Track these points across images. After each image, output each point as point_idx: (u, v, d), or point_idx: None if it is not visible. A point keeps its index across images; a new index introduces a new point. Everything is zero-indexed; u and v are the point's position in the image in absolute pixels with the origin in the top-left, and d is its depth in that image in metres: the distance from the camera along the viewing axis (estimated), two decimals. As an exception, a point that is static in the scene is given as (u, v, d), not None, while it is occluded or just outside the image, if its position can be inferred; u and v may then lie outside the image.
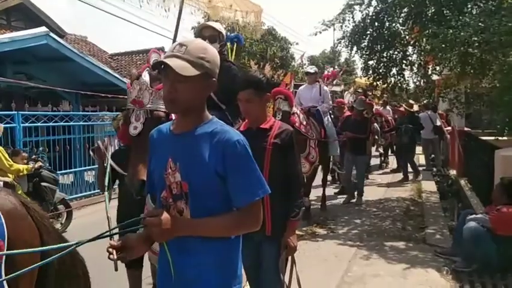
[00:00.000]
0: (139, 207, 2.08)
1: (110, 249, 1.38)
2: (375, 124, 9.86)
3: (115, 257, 1.37)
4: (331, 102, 7.12)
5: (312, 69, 6.98)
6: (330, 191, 7.76)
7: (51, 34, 8.52)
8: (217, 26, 3.27)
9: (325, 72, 10.73)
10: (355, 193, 7.20)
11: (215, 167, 1.43)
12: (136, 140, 2.32)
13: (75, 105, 9.83)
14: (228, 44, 3.86)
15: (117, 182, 2.96)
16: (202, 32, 3.20)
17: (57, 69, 9.57)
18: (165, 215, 1.41)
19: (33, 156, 5.88)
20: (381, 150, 11.34)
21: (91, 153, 5.41)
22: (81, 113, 8.63)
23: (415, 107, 10.39)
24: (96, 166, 4.38)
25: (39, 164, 5.61)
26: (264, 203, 2.05)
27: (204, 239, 1.46)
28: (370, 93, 10.78)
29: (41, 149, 6.65)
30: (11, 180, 5.08)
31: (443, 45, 5.38)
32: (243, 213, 1.47)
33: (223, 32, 3.26)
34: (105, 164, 2.63)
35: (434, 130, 9.94)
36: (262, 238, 2.31)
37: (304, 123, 5.47)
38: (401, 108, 11.46)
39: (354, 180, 7.30)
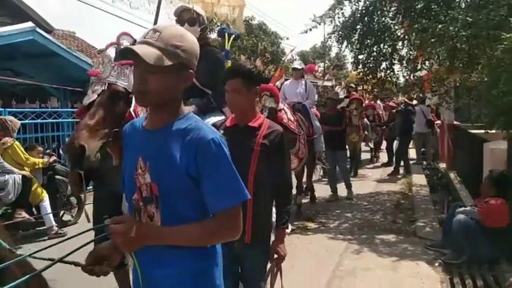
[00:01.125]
0: (116, 209, 1.95)
1: (89, 271, 1.27)
2: (365, 119, 9.83)
3: (99, 272, 1.28)
4: (316, 98, 7.12)
5: (299, 65, 6.93)
6: (322, 188, 7.78)
7: (38, 29, 8.37)
8: (197, 8, 3.13)
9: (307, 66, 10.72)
10: (345, 188, 7.18)
11: (186, 169, 1.28)
12: (87, 110, 2.19)
13: (63, 102, 9.70)
14: (227, 34, 3.82)
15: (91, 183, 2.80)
16: (181, 15, 3.04)
17: (45, 65, 9.42)
18: (131, 222, 1.28)
19: (48, 151, 6.22)
20: (371, 145, 11.31)
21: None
22: (70, 109, 8.52)
23: (414, 101, 10.44)
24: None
25: (54, 158, 5.94)
26: (246, 208, 1.97)
27: (177, 248, 1.32)
28: (361, 88, 10.82)
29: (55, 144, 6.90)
30: (28, 174, 5.27)
31: (432, 40, 5.40)
32: (218, 221, 1.31)
33: (204, 14, 3.13)
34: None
35: (427, 124, 9.99)
36: (242, 246, 2.12)
37: (292, 119, 5.42)
38: (391, 103, 11.55)
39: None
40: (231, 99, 2.16)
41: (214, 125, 2.19)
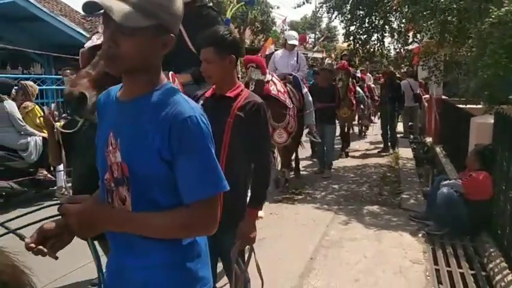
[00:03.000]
0: (95, 182, 1.92)
1: (32, 249, 1.11)
2: (361, 92, 9.25)
3: (46, 252, 1.12)
4: (306, 69, 6.88)
5: (295, 41, 6.59)
6: (310, 161, 7.83)
7: (19, -8, 8.03)
8: None
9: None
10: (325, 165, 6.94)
11: (159, 150, 1.11)
12: (88, 55, 2.06)
13: (47, 68, 9.46)
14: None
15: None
16: None
17: (27, 30, 9.11)
18: (88, 203, 1.15)
19: (64, 115, 6.13)
20: (367, 121, 10.66)
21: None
22: (54, 76, 8.30)
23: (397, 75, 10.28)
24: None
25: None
26: None
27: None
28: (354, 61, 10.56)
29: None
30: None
31: (424, 13, 5.35)
32: (191, 213, 1.14)
33: None
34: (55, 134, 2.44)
35: (415, 98, 9.94)
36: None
37: (282, 90, 5.27)
38: (381, 80, 11.23)
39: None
40: (204, 69, 2.02)
41: (195, 95, 2.12)
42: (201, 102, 2.05)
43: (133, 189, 1.15)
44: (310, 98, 6.03)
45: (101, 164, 1.24)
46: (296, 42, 6.59)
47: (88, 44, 2.15)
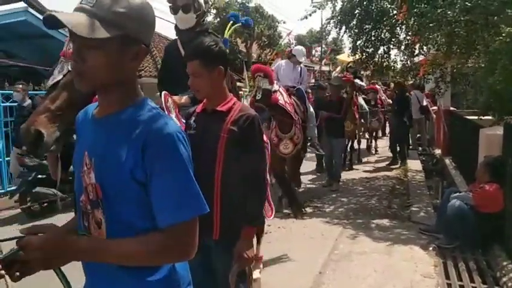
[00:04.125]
0: None
1: None
2: (364, 105, 9.00)
3: (7, 279, 1.00)
4: (307, 84, 6.97)
5: (302, 58, 6.53)
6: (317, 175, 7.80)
7: (31, 10, 8.20)
8: None
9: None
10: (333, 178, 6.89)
11: (132, 171, 1.04)
12: (50, 91, 1.97)
13: (57, 84, 9.61)
14: (230, 23, 3.54)
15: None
16: (175, 1, 2.78)
17: (38, 47, 9.29)
18: (52, 234, 1.05)
19: None
20: (367, 135, 10.34)
21: None
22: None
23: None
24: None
25: None
26: (213, 202, 1.86)
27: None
28: (360, 73, 10.51)
29: None
30: None
31: (430, 25, 5.37)
32: (168, 238, 1.05)
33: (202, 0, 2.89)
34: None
35: (421, 110, 9.87)
36: (210, 242, 1.91)
37: (289, 102, 5.25)
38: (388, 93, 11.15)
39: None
40: (192, 83, 1.92)
41: (188, 112, 2.07)
42: (193, 118, 2.00)
43: (108, 212, 1.09)
44: (313, 111, 6.04)
45: (76, 185, 1.17)
46: (302, 59, 6.56)
47: (50, 82, 2.05)
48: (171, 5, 2.78)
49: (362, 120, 9.02)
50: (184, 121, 2.51)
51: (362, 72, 10.30)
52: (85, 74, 1.05)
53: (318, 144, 6.14)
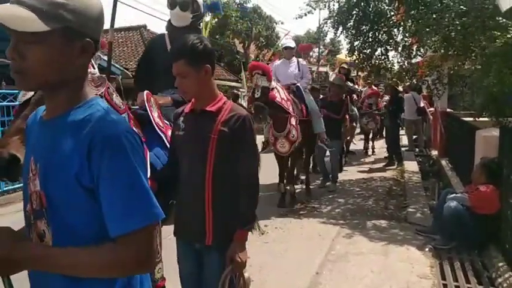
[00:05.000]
0: None
1: None
2: (355, 109, 9.06)
3: None
4: (310, 77, 6.79)
5: (291, 43, 6.59)
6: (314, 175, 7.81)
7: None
8: None
9: (301, 43, 10.22)
10: (330, 177, 6.91)
11: (77, 175, 0.95)
12: (21, 109, 1.86)
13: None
14: (206, 16, 3.40)
15: None
16: None
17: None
18: (3, 238, 0.96)
19: None
20: (355, 141, 10.29)
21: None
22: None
23: (400, 88, 10.24)
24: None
25: None
26: (204, 206, 1.82)
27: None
28: (355, 74, 10.55)
29: None
30: None
31: (427, 29, 5.41)
32: (120, 248, 0.96)
33: (201, 1, 2.81)
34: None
35: (418, 111, 9.91)
36: (202, 248, 1.88)
37: (286, 98, 5.25)
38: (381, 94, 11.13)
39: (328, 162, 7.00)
40: (179, 84, 1.84)
41: (176, 113, 2.02)
42: (181, 119, 1.94)
43: (53, 223, 0.99)
44: (315, 107, 5.98)
45: (24, 194, 1.08)
46: (292, 44, 6.52)
47: (21, 98, 1.94)
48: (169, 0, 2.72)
49: (354, 124, 9.07)
50: (166, 121, 2.48)
51: (359, 74, 10.30)
52: (25, 72, 0.96)
53: (327, 140, 6.07)
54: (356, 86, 10.50)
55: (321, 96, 7.61)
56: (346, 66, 9.10)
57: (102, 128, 0.97)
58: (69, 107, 1.01)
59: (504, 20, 3.95)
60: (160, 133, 2.35)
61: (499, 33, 3.77)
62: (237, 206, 1.85)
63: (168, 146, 2.27)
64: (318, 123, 5.90)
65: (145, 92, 2.41)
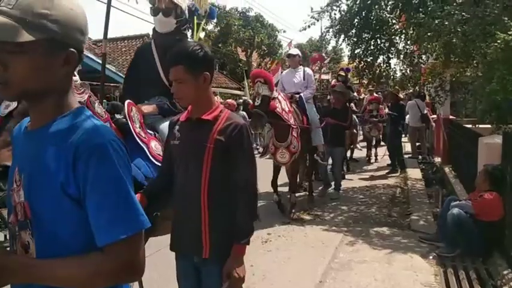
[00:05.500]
0: None
1: None
2: (354, 117, 8.89)
3: None
4: (315, 87, 6.76)
5: (294, 51, 6.59)
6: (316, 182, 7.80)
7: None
8: None
9: (313, 55, 10.21)
10: (332, 183, 6.84)
11: (62, 185, 0.95)
12: (5, 122, 1.86)
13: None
14: (197, 20, 3.28)
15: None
16: (157, 3, 2.69)
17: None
18: None
19: None
20: (359, 147, 10.28)
21: None
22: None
23: (400, 95, 10.23)
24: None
25: None
26: (201, 218, 1.77)
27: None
28: (358, 82, 10.55)
29: None
30: None
31: (428, 35, 5.43)
32: (106, 258, 0.96)
33: (184, 6, 2.75)
34: None
35: (422, 118, 9.85)
36: (200, 261, 1.82)
37: (287, 109, 5.23)
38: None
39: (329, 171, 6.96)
40: (175, 90, 1.78)
41: (171, 120, 1.98)
42: (177, 128, 1.89)
43: (37, 234, 0.98)
44: (316, 118, 5.97)
45: (7, 205, 1.07)
46: (294, 52, 6.51)
47: (3, 110, 1.92)
48: (152, 6, 2.70)
49: (354, 130, 9.01)
50: (150, 131, 2.42)
51: (357, 81, 10.28)
52: (8, 82, 0.96)
53: (323, 153, 6.06)
54: (355, 94, 10.44)
55: (318, 104, 7.59)
56: (343, 74, 9.13)
57: (88, 136, 0.97)
58: (53, 117, 1.02)
59: (507, 19, 3.94)
60: (141, 144, 2.28)
61: (500, 34, 3.76)
62: (235, 218, 1.79)
63: (150, 157, 2.23)
64: (317, 135, 5.87)
65: (127, 101, 2.36)
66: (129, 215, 0.98)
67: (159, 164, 2.20)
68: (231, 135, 1.77)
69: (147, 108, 2.50)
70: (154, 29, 2.75)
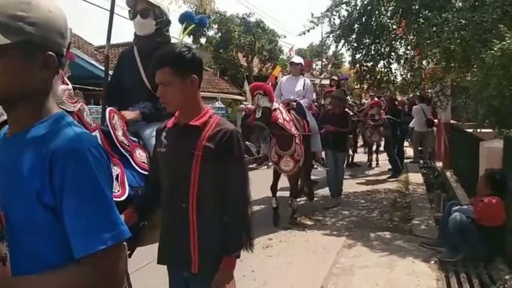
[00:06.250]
0: None
1: None
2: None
3: None
4: (312, 97, 6.80)
5: (297, 59, 6.64)
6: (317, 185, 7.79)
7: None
8: None
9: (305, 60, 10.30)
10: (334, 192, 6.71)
11: (38, 193, 0.91)
12: None
13: (61, 99, 9.67)
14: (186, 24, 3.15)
15: None
16: (135, 5, 2.59)
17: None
18: None
19: None
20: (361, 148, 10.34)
21: None
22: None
23: (403, 99, 10.25)
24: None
25: None
26: (189, 230, 1.68)
27: None
28: (359, 87, 10.57)
29: None
30: None
31: (428, 41, 5.46)
32: (85, 270, 0.91)
33: (164, 6, 2.63)
34: None
35: (427, 123, 9.78)
36: (189, 276, 1.73)
37: (288, 119, 5.25)
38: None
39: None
40: (161, 94, 1.69)
41: (158, 128, 1.92)
42: (164, 134, 1.80)
43: (14, 245, 0.93)
44: (315, 124, 5.98)
45: None
46: (296, 60, 6.54)
47: None
48: (130, 9, 2.61)
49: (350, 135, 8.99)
50: (133, 138, 2.31)
51: (358, 86, 10.31)
52: None
53: (323, 159, 6.07)
54: (348, 98, 10.43)
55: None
56: (336, 78, 9.09)
57: (65, 142, 0.93)
58: (32, 123, 0.98)
59: (502, 26, 3.98)
60: (124, 152, 2.18)
61: (496, 42, 3.79)
62: (226, 230, 1.70)
63: (135, 165, 2.15)
64: (316, 141, 5.85)
65: (108, 108, 2.30)
66: (108, 224, 0.93)
67: (144, 173, 2.13)
68: (221, 142, 1.67)
69: (129, 114, 2.40)
70: (135, 33, 2.66)
